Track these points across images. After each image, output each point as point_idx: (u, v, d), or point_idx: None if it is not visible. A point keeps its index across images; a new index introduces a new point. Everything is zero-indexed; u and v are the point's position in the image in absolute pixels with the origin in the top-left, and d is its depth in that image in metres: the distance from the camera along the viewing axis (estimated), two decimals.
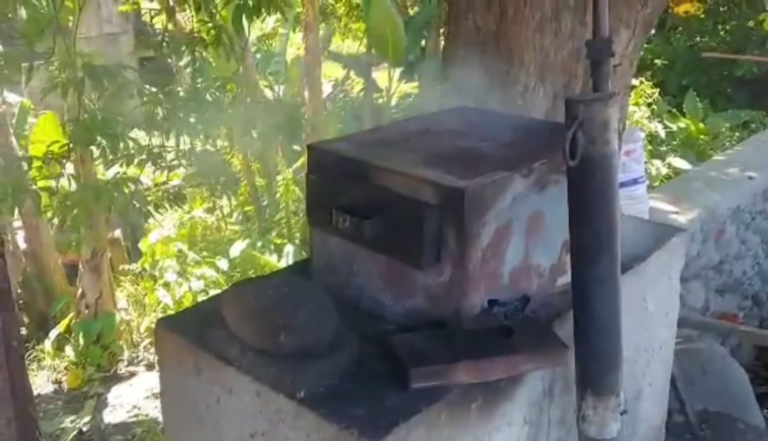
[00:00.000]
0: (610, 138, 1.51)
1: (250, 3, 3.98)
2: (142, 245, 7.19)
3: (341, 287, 1.72)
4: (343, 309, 1.57)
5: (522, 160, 1.67)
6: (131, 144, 4.31)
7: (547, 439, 1.74)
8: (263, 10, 4.19)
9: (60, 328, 6.46)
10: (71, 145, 4.10)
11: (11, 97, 7.32)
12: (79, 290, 6.52)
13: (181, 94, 5.12)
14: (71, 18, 4.64)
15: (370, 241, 1.61)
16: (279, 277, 1.81)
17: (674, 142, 8.23)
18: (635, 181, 2.98)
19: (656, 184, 6.34)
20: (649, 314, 2.02)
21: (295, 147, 8.16)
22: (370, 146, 1.78)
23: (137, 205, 4.41)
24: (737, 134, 8.60)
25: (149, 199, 4.71)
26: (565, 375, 1.72)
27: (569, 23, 2.55)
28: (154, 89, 4.85)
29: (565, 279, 1.80)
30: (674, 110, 8.99)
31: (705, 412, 2.87)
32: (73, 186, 4.73)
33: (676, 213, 3.79)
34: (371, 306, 1.69)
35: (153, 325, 5.91)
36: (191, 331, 1.61)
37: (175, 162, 4.88)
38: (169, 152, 4.91)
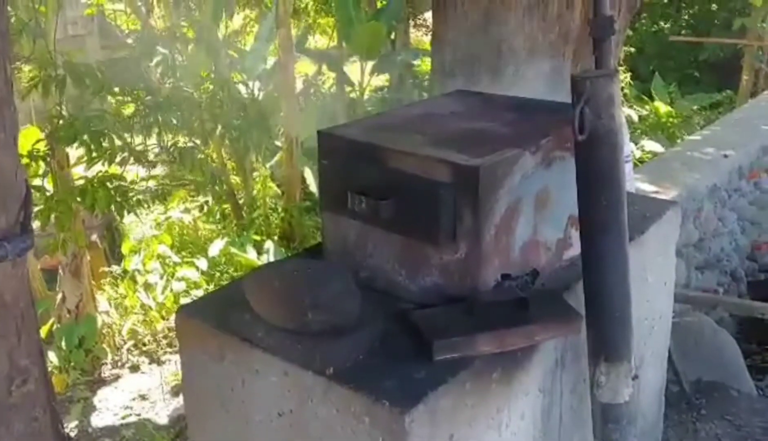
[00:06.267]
0: (615, 112, 1.57)
1: None
2: (124, 248, 7.14)
3: (355, 269, 1.75)
4: (360, 290, 1.61)
5: (528, 137, 1.72)
6: (117, 142, 4.30)
7: (561, 407, 1.80)
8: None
9: (41, 333, 6.40)
10: (51, 144, 4.09)
11: None
12: (60, 294, 6.45)
13: (160, 94, 5.12)
14: (44, 19, 4.62)
15: (386, 222, 1.65)
16: (299, 260, 1.84)
17: (644, 126, 8.38)
18: None
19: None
20: (649, 285, 2.09)
21: (272, 143, 8.15)
22: (379, 130, 1.82)
23: (120, 202, 4.38)
24: (705, 115, 8.79)
25: (131, 196, 4.69)
26: (575, 345, 1.77)
27: (556, 7, 2.61)
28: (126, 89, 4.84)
29: (571, 253, 1.86)
30: (643, 95, 9.15)
31: (699, 381, 2.97)
32: (49, 187, 4.70)
33: (657, 192, 3.88)
34: (386, 286, 1.73)
35: (135, 328, 5.83)
36: (213, 316, 1.64)
37: (157, 159, 4.86)
38: (151, 150, 4.90)
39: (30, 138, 5.98)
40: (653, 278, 2.11)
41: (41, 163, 3.96)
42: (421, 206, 1.60)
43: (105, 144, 4.10)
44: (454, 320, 1.55)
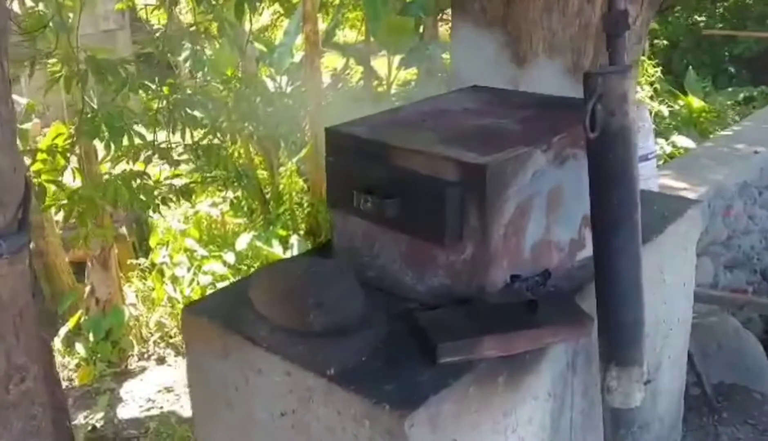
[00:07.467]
0: (629, 110, 1.53)
1: None
2: (152, 241, 7.20)
3: (363, 268, 1.73)
4: (366, 289, 1.59)
5: (540, 135, 1.68)
6: (136, 139, 4.32)
7: (572, 411, 1.76)
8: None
9: (69, 325, 6.48)
10: (75, 139, 4.12)
11: (14, 97, 7.28)
12: (88, 287, 6.52)
13: (188, 89, 5.14)
14: (71, 15, 4.65)
15: (392, 221, 1.62)
16: (304, 259, 1.82)
17: (676, 121, 8.23)
18: (644, 158, 2.98)
19: (660, 162, 6.34)
20: (667, 286, 2.04)
21: (300, 138, 8.16)
22: (388, 127, 1.79)
23: (144, 199, 4.41)
24: (739, 110, 8.61)
25: (156, 193, 4.71)
26: (587, 348, 1.73)
27: (576, 2, 2.55)
28: (153, 85, 4.86)
29: (585, 253, 1.82)
30: (675, 90, 8.98)
31: (721, 384, 2.90)
32: (77, 182, 4.74)
33: (685, 189, 3.80)
34: (393, 286, 1.70)
35: (162, 320, 5.86)
36: (219, 314, 1.63)
37: (183, 156, 4.87)
38: (175, 147, 4.92)
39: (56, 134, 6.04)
40: (671, 279, 2.05)
41: (60, 159, 3.99)
42: (427, 205, 1.57)
43: (125, 141, 4.11)
44: (461, 322, 1.52)
